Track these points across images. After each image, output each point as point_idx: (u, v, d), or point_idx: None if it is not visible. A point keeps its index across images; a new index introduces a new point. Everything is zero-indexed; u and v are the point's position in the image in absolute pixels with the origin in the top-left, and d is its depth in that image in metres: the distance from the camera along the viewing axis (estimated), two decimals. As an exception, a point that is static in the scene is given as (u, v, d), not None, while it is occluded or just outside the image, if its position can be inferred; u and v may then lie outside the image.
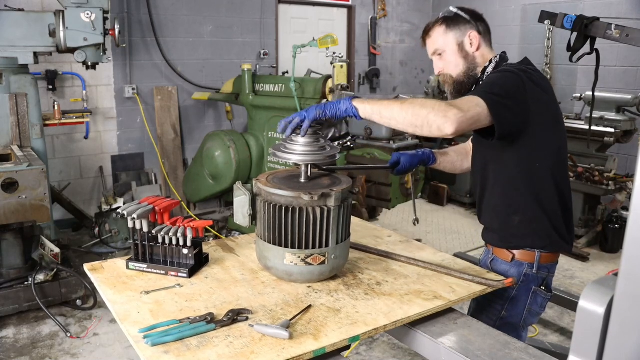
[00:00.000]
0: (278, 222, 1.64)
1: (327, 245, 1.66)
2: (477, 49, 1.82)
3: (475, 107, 1.54)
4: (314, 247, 1.65)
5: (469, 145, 2.13)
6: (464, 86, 1.85)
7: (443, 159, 2.15)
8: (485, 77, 1.82)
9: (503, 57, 1.85)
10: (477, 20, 1.84)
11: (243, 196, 1.76)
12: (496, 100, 1.57)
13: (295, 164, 1.74)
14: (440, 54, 1.87)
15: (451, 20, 1.83)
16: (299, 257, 1.65)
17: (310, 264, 1.66)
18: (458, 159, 2.17)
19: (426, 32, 1.89)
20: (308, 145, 1.69)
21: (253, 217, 1.76)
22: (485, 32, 1.85)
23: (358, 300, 1.62)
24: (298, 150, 1.69)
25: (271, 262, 1.70)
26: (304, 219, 1.63)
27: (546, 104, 1.73)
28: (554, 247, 1.82)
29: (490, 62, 1.83)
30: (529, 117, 1.66)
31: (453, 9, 1.86)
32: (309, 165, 1.74)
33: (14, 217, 3.11)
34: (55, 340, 3.36)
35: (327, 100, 4.40)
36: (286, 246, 1.66)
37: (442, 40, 1.84)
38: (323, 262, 1.67)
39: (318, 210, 1.62)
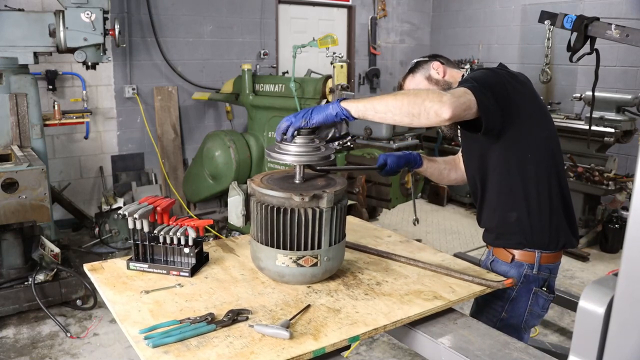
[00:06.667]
0: (270, 223, 1.64)
1: (319, 247, 1.65)
2: (444, 74, 1.98)
3: (464, 94, 1.60)
4: (305, 248, 1.64)
5: (458, 157, 2.16)
6: None
7: (430, 165, 2.18)
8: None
9: (473, 69, 1.97)
10: (435, 56, 2.05)
11: (237, 196, 1.75)
12: (479, 88, 1.62)
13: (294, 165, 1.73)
14: None
15: (414, 68, 2.05)
16: (291, 258, 1.64)
17: (302, 266, 1.65)
18: (446, 168, 2.20)
19: (400, 88, 2.09)
20: (302, 146, 1.68)
21: (247, 218, 1.75)
22: (446, 60, 2.03)
23: (358, 300, 1.62)
24: (292, 151, 1.68)
25: (263, 262, 1.69)
26: (296, 220, 1.62)
27: (527, 95, 1.78)
28: (556, 242, 1.81)
29: (463, 76, 1.94)
30: (510, 106, 1.70)
31: (413, 61, 2.08)
32: (303, 166, 1.72)
33: (14, 217, 3.11)
34: (55, 340, 3.36)
35: (327, 101, 4.40)
36: (278, 247, 1.65)
37: (414, 83, 2.03)
38: (315, 264, 1.66)
39: (310, 212, 1.61)
